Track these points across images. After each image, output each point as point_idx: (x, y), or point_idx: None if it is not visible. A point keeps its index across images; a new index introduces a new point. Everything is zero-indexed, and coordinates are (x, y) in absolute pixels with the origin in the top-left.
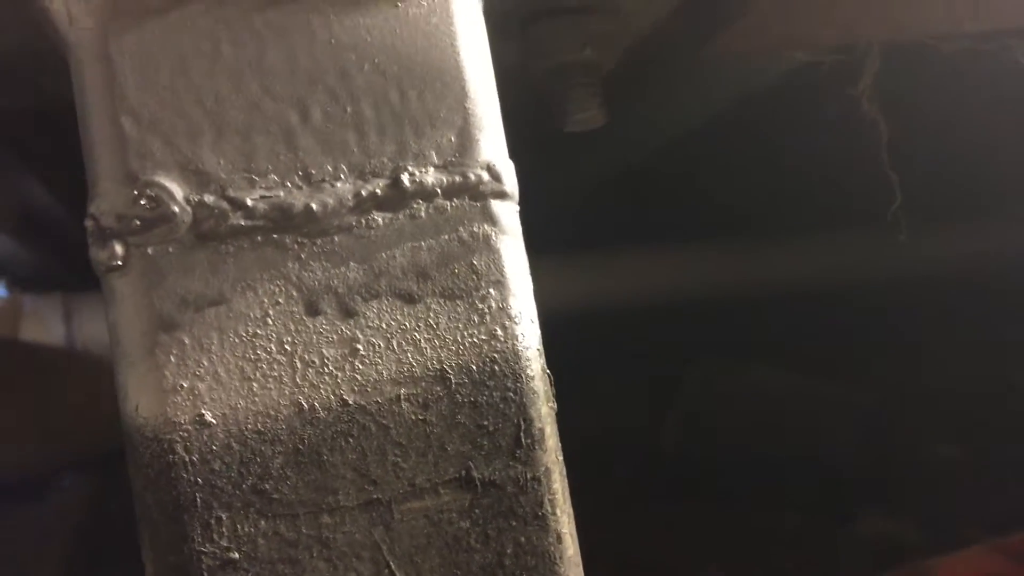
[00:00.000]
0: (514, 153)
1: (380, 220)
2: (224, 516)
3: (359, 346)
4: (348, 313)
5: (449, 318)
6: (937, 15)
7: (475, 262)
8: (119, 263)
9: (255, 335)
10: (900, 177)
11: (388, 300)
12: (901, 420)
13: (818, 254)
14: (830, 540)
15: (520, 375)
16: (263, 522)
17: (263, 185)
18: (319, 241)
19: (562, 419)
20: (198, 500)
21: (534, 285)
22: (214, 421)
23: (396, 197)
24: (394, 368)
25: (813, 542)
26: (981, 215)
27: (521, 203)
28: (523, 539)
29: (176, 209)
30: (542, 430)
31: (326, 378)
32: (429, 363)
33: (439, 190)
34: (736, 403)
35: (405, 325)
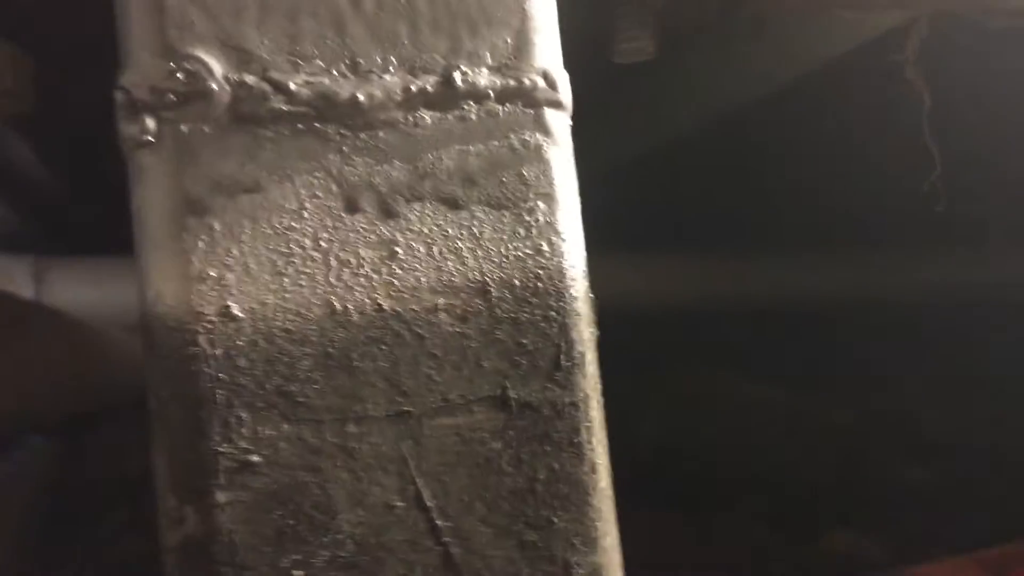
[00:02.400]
0: None
1: (428, 119)
2: (245, 416)
3: (398, 249)
4: (389, 213)
5: (494, 228)
6: None
7: (525, 172)
8: (150, 139)
9: (290, 228)
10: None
11: (431, 204)
12: (874, 440)
13: (805, 273)
14: (797, 554)
15: (564, 294)
16: (286, 425)
17: (308, 70)
18: (363, 135)
19: None
20: (219, 397)
21: None
22: (241, 315)
23: (447, 96)
24: (433, 276)
25: (780, 555)
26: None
27: None
28: (557, 466)
29: (214, 86)
30: (583, 354)
31: (362, 280)
32: (470, 274)
33: (492, 93)
34: (715, 416)
35: (448, 232)
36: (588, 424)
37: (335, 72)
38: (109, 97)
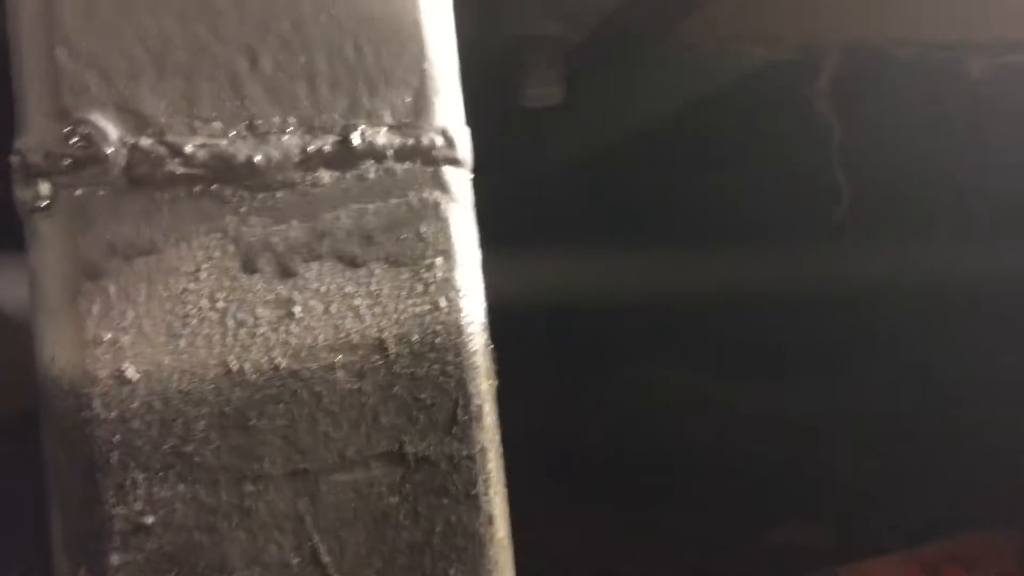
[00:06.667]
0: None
1: (327, 178)
2: (140, 478)
3: (296, 308)
4: (286, 273)
5: (392, 285)
6: (897, 20)
7: (423, 229)
8: (45, 204)
9: (186, 289)
10: (848, 178)
11: (330, 262)
12: (824, 431)
13: (753, 263)
14: (746, 546)
15: (462, 349)
16: (182, 486)
17: (205, 132)
18: (261, 196)
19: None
20: (114, 460)
21: None
22: (136, 377)
23: (345, 155)
24: (331, 334)
25: (729, 547)
26: (919, 226)
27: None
28: (453, 518)
29: (110, 150)
30: (480, 407)
31: (258, 340)
32: (368, 331)
33: (390, 152)
34: (665, 408)
35: (346, 290)
36: (485, 476)
37: (233, 133)
38: None
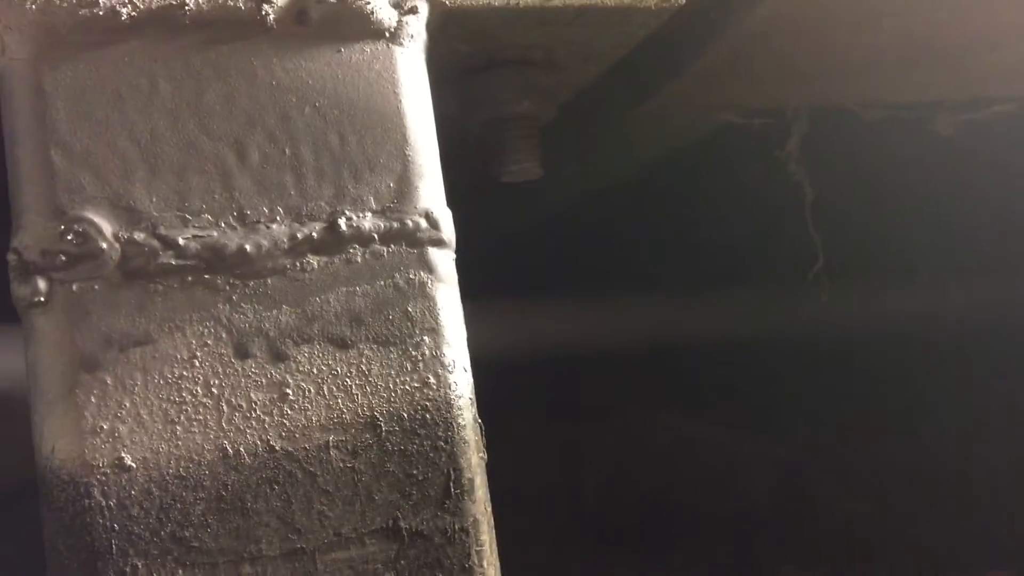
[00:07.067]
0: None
1: (315, 264)
2: (140, 564)
3: (288, 391)
4: (278, 357)
5: (382, 365)
6: (861, 87)
7: (410, 309)
8: (41, 299)
9: (181, 377)
10: (822, 236)
11: (320, 345)
12: (816, 477)
13: (740, 308)
14: None
15: (452, 424)
16: (181, 571)
17: (196, 224)
18: (252, 283)
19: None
20: (114, 547)
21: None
22: (134, 465)
23: (332, 241)
24: (324, 414)
25: None
26: (898, 275)
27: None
28: None
29: (104, 245)
30: (472, 480)
31: (253, 423)
32: (360, 410)
33: (376, 236)
34: (657, 455)
35: (337, 371)
36: (479, 548)
37: (223, 224)
38: None
